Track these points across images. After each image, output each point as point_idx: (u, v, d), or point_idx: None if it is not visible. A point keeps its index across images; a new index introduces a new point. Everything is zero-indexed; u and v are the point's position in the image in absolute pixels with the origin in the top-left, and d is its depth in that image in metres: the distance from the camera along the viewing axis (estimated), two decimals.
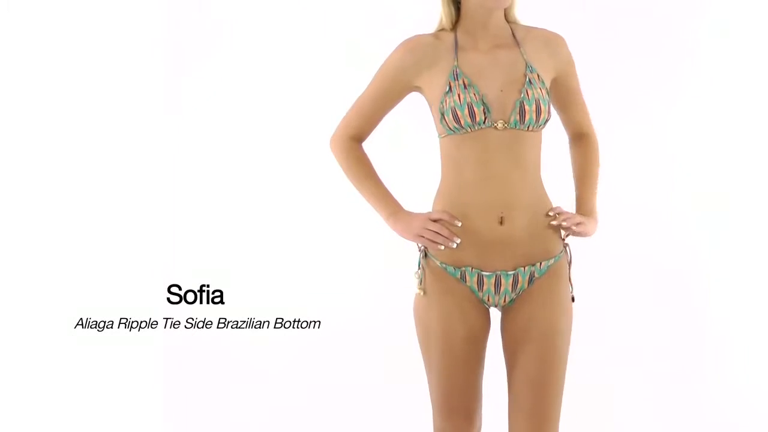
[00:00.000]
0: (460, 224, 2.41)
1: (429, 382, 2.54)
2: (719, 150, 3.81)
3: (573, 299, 2.50)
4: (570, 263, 2.51)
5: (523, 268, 2.42)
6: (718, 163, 3.81)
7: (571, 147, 2.64)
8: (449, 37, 2.47)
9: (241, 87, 3.94)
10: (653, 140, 3.81)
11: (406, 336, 3.81)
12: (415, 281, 2.51)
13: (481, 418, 2.57)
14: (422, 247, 2.49)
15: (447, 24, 2.48)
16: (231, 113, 3.94)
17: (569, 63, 2.53)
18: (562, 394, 2.48)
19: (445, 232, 2.42)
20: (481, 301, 2.47)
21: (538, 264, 2.43)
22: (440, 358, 2.48)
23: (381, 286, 3.87)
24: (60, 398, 3.65)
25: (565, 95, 2.55)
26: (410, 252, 3.73)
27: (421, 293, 2.49)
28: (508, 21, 2.49)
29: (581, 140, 2.62)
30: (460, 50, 2.44)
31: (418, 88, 2.50)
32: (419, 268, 2.50)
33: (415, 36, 2.49)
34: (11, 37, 3.61)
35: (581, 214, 2.54)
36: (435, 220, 2.44)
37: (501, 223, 2.39)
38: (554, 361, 2.44)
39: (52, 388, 3.64)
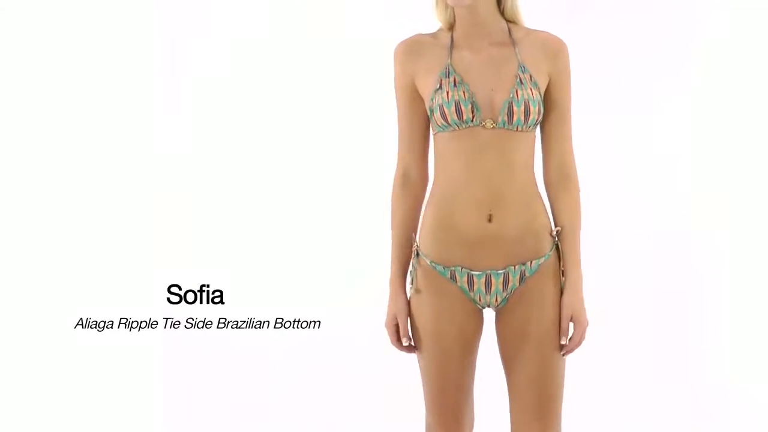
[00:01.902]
0: (406, 344, 2.51)
1: (421, 380, 2.55)
2: (717, 152, 3.85)
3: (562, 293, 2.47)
4: (561, 259, 2.48)
5: (513, 267, 2.42)
6: (715, 164, 3.86)
7: (549, 189, 2.49)
8: (447, 36, 2.46)
9: (241, 85, 3.94)
10: (649, 140, 3.87)
11: None
12: (408, 279, 2.51)
13: (472, 419, 2.58)
14: (415, 245, 2.49)
15: (443, 23, 2.47)
16: (231, 112, 3.95)
17: (564, 73, 2.44)
18: (563, 391, 2.49)
19: (394, 342, 2.53)
20: (473, 301, 2.46)
21: (529, 263, 2.43)
22: (430, 358, 2.49)
23: (381, 286, 3.86)
24: (60, 398, 3.66)
25: (548, 110, 2.45)
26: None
27: (413, 292, 2.49)
28: (507, 20, 2.46)
29: (563, 186, 2.47)
30: (455, 49, 2.42)
31: (418, 88, 2.47)
32: (412, 267, 2.50)
33: (410, 36, 2.48)
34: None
35: (567, 279, 2.46)
36: (396, 326, 2.52)
37: (490, 220, 2.38)
38: (553, 359, 2.44)
39: (52, 388, 3.65)
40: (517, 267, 2.42)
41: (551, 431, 2.45)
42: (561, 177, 2.48)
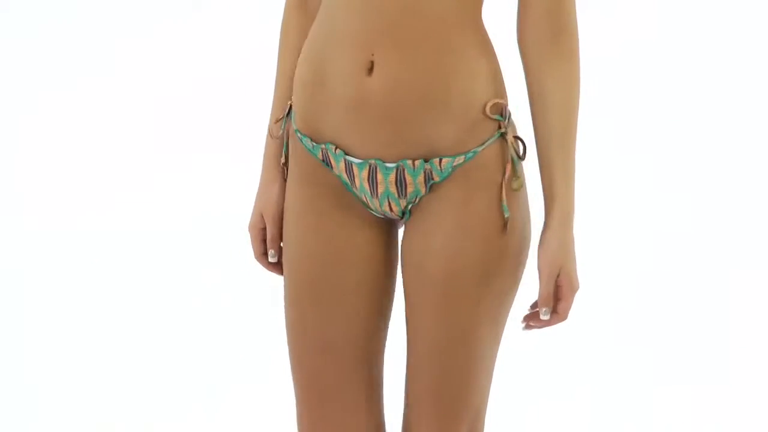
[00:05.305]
0: (274, 260, 1.69)
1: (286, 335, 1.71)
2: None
3: (506, 225, 1.53)
4: (512, 163, 1.52)
5: (411, 162, 1.54)
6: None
7: (526, 51, 1.53)
8: None
9: None
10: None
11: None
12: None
13: (380, 410, 1.69)
14: (290, 101, 1.65)
15: None
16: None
17: None
18: (481, 377, 1.59)
19: (257, 254, 1.71)
20: (364, 206, 1.62)
21: (437, 160, 1.54)
22: (294, 296, 1.65)
23: None
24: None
25: None
26: None
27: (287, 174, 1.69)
28: None
29: (551, 46, 1.50)
30: None
31: None
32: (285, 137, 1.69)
33: None
34: None
35: (551, 210, 1.56)
36: (262, 229, 1.70)
37: (370, 71, 1.49)
38: (470, 322, 1.56)
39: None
40: (417, 163, 1.55)
41: None
42: (549, 30, 1.50)
